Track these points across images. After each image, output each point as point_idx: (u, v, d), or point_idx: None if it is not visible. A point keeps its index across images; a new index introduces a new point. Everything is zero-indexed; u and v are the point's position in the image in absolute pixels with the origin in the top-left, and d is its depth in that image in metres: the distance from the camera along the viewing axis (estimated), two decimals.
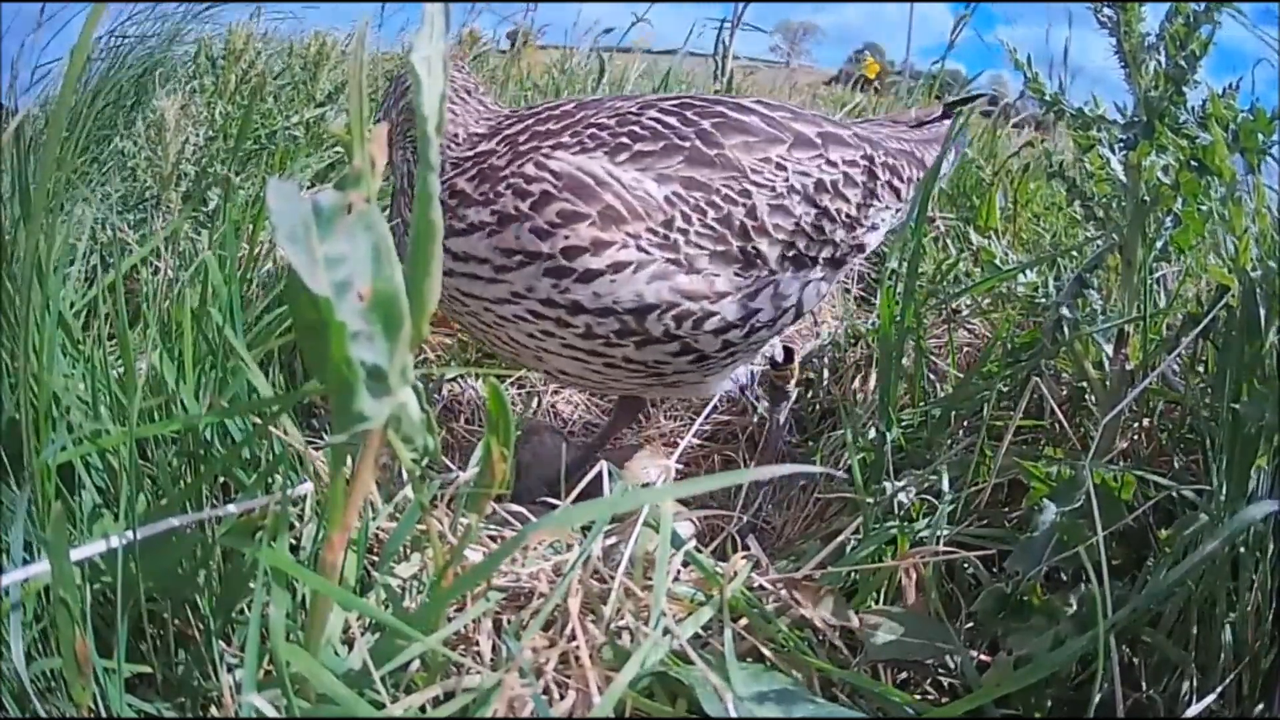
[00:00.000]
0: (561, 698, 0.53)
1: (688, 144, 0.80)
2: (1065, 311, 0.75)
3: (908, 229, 1.19)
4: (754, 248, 0.80)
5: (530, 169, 0.78)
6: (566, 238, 0.76)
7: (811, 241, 0.83)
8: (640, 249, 0.76)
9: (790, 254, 0.82)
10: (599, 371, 0.82)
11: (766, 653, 0.59)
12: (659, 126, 0.80)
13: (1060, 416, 0.77)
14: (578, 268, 0.76)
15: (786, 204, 0.81)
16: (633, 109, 0.82)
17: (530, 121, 0.83)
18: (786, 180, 0.81)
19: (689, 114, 0.82)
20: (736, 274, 0.80)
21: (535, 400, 1.17)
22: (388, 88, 0.91)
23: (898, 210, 0.92)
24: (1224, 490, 0.60)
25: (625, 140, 0.79)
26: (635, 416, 1.03)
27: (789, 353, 0.94)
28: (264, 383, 0.69)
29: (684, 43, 1.91)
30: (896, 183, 0.91)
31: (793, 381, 0.98)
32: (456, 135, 0.83)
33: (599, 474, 0.66)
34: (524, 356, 0.85)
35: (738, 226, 0.79)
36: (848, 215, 0.85)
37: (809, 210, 0.83)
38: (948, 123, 1.05)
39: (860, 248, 0.89)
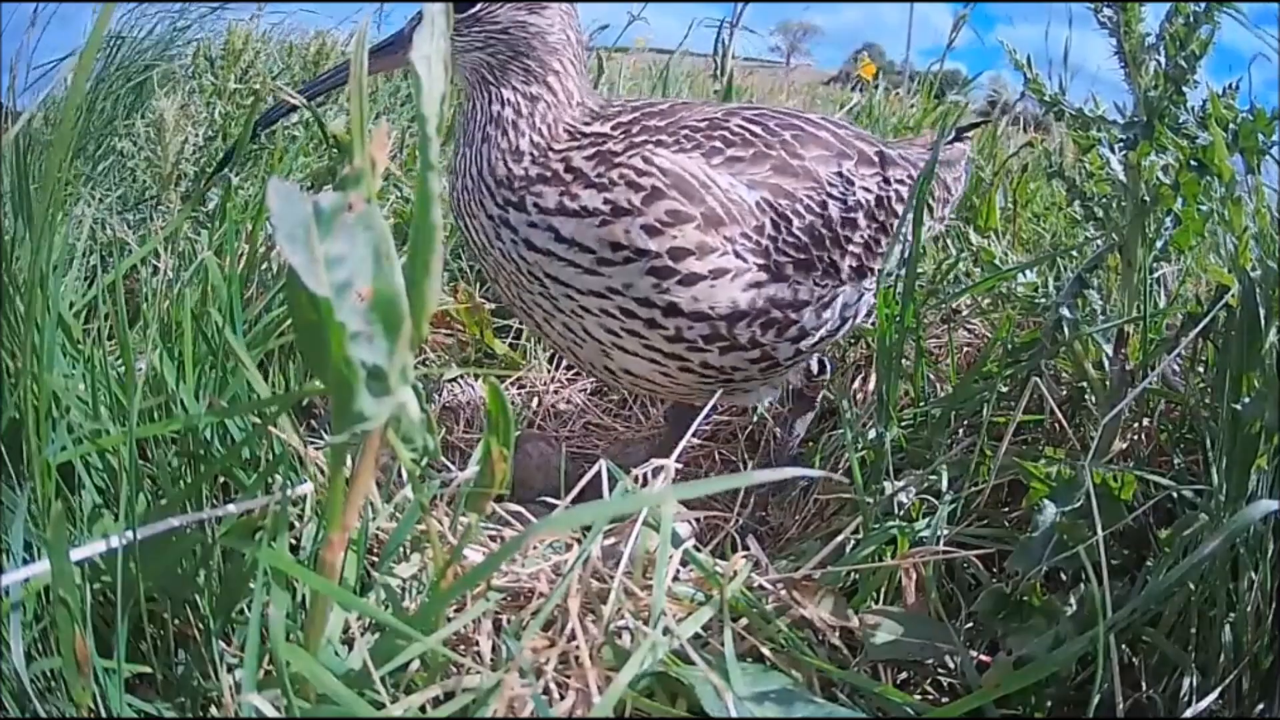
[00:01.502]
0: (561, 698, 0.53)
1: (774, 152, 0.81)
2: (1065, 311, 0.75)
3: (908, 228, 1.20)
4: (830, 258, 0.82)
5: (639, 162, 0.77)
6: (674, 238, 0.76)
7: (870, 254, 0.85)
8: (737, 255, 0.77)
9: (855, 265, 0.84)
10: (669, 375, 0.81)
11: (766, 653, 0.59)
12: (746, 133, 0.81)
13: (1060, 416, 0.77)
14: (682, 270, 0.76)
15: (855, 217, 0.84)
16: (719, 114, 0.83)
17: (639, 114, 0.82)
18: (854, 195, 0.84)
19: (770, 124, 0.83)
20: (815, 283, 0.81)
21: (535, 400, 1.17)
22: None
23: (930, 227, 0.96)
24: (1224, 490, 0.60)
25: (718, 144, 0.80)
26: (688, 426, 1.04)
27: (823, 365, 0.94)
28: (262, 383, 0.69)
29: (681, 41, 1.91)
30: (932, 201, 0.95)
31: (820, 393, 0.98)
32: (573, 97, 0.81)
33: (598, 474, 0.66)
34: (585, 350, 0.83)
35: (818, 236, 0.81)
36: (899, 230, 0.88)
37: (870, 224, 0.85)
38: (959, 145, 1.09)
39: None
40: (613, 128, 0.80)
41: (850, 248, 0.83)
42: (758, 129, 0.82)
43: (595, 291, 0.78)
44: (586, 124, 0.81)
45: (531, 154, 0.79)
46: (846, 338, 1.11)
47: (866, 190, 0.85)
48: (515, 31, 0.79)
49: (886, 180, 0.88)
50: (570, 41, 0.81)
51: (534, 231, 0.78)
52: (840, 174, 0.84)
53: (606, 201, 0.76)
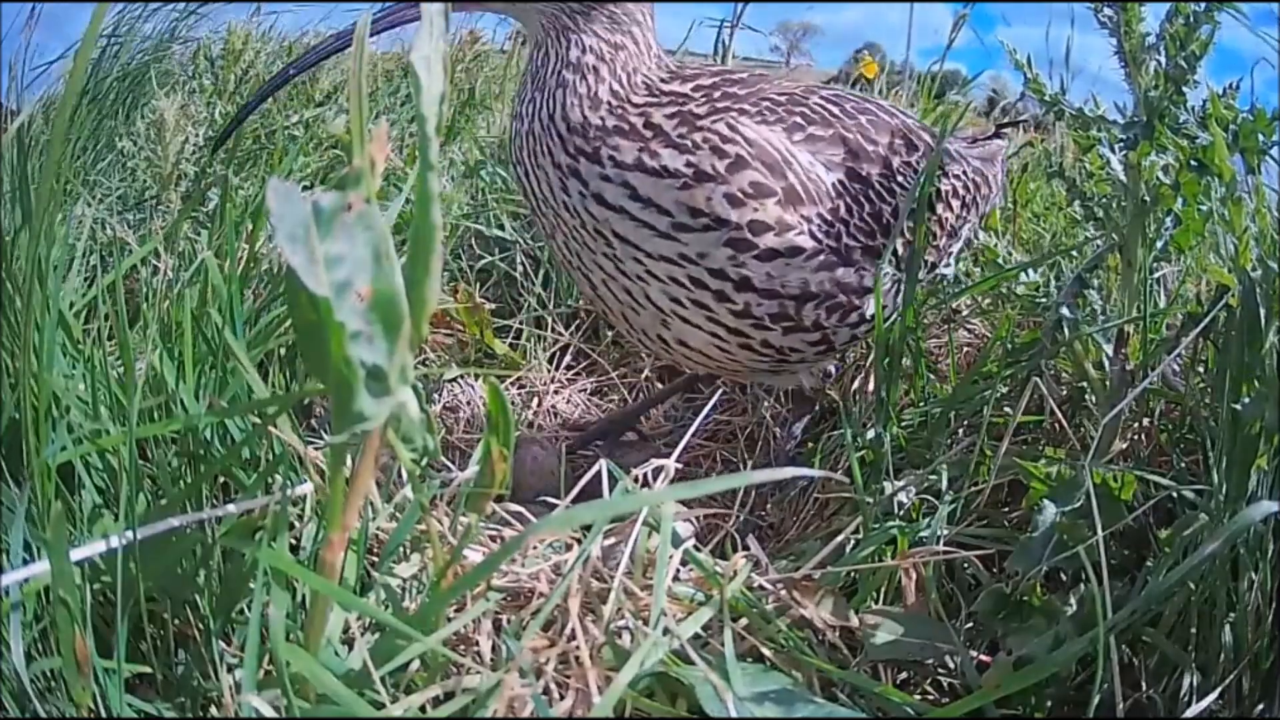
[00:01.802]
0: (561, 698, 0.53)
1: (851, 135, 0.80)
2: (1065, 311, 0.75)
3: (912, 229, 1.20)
4: (894, 246, 0.81)
5: (723, 128, 0.75)
6: (755, 211, 0.74)
7: (926, 245, 0.85)
8: (812, 235, 0.75)
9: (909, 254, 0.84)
10: (726, 350, 0.80)
11: (766, 653, 0.59)
12: (826, 113, 0.80)
13: (1060, 416, 0.77)
14: (760, 244, 0.74)
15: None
16: (798, 90, 0.82)
17: (719, 79, 0.80)
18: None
19: (847, 106, 0.82)
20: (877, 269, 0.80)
21: (535, 400, 1.17)
22: None
23: (972, 225, 0.95)
24: (1224, 490, 0.60)
25: (799, 120, 0.78)
26: (683, 389, 1.02)
27: (837, 366, 0.95)
28: (260, 384, 0.69)
29: (683, 41, 1.91)
30: (977, 197, 0.94)
31: (820, 396, 0.98)
32: (652, 49, 0.78)
33: (599, 474, 0.66)
34: (641, 317, 0.80)
35: (886, 224, 0.80)
36: (950, 224, 0.88)
37: (929, 216, 0.84)
38: (997, 141, 1.07)
39: (949, 254, 0.91)
40: (693, 89, 0.78)
41: (909, 237, 0.83)
42: (835, 109, 0.81)
43: (666, 257, 0.75)
44: (665, 81, 0.78)
45: (610, 103, 0.75)
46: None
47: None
48: None
49: (945, 174, 0.87)
50: None
51: (606, 186, 0.75)
52: (908, 164, 0.83)
53: (689, 165, 0.73)
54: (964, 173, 0.91)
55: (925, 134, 0.88)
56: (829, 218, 0.76)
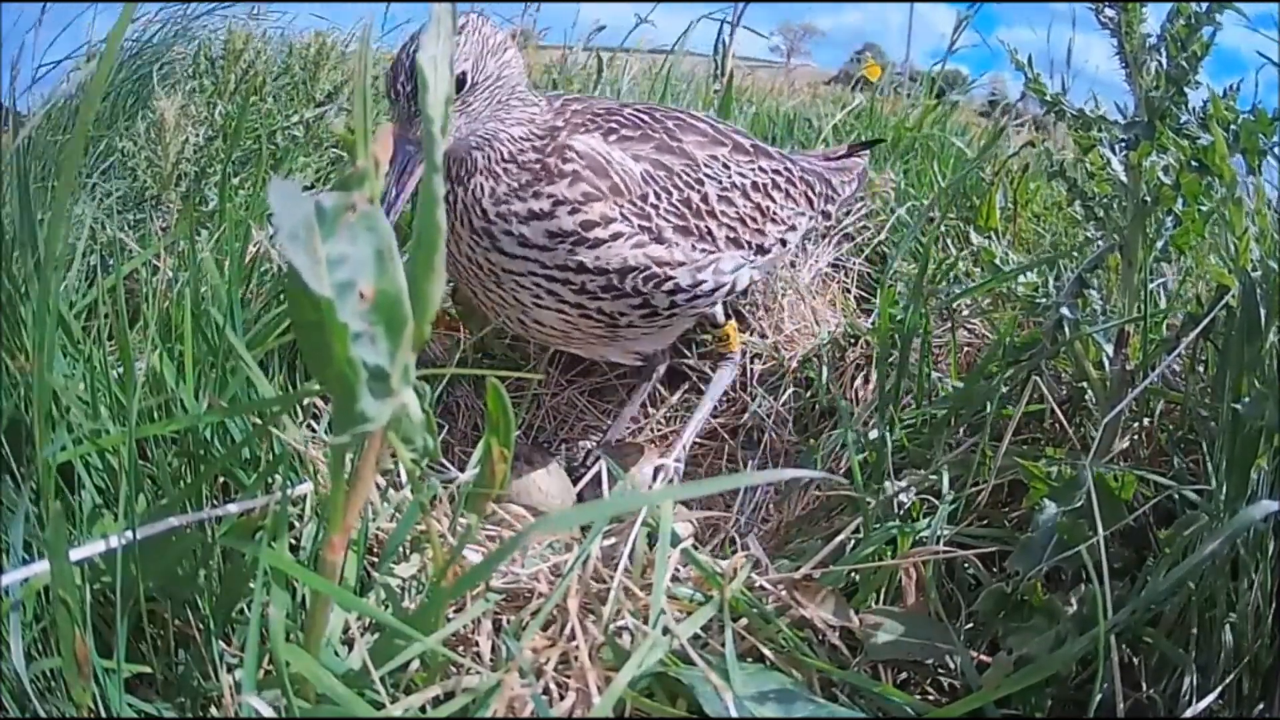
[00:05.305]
0: (561, 698, 0.53)
1: (657, 136, 0.95)
2: (1065, 311, 0.75)
3: (916, 231, 1.22)
4: (706, 227, 0.95)
5: (564, 150, 0.89)
6: (587, 213, 0.88)
7: (746, 229, 0.99)
8: (626, 219, 0.90)
9: (731, 236, 0.97)
10: (570, 321, 0.93)
11: (766, 653, 0.59)
12: (636, 120, 0.95)
13: (1060, 416, 0.77)
14: (590, 237, 0.88)
15: (730, 195, 0.98)
16: (614, 105, 0.98)
17: (561, 104, 0.94)
18: (729, 176, 0.98)
19: (656, 114, 0.98)
20: (692, 247, 0.94)
21: (535, 401, 1.17)
22: None
23: (811, 217, 1.09)
24: (1224, 490, 0.60)
25: (614, 126, 0.93)
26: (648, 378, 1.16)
27: (727, 314, 1.07)
28: (265, 382, 0.69)
29: (681, 41, 1.90)
30: (811, 194, 1.08)
31: (736, 344, 1.09)
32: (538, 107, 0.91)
33: (599, 474, 0.66)
34: (507, 309, 0.95)
35: (695, 208, 0.95)
36: (774, 213, 1.02)
37: (746, 203, 0.99)
38: (853, 159, 1.24)
39: (783, 242, 1.05)
40: (548, 121, 0.90)
41: (725, 220, 0.97)
42: (645, 117, 0.96)
43: (532, 271, 0.89)
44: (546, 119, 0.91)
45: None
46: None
47: (741, 174, 0.99)
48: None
49: (761, 169, 1.02)
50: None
51: (506, 239, 0.89)
52: (715, 157, 0.97)
53: (549, 197, 0.87)
54: (785, 169, 1.05)
55: (738, 135, 1.03)
56: (639, 204, 0.91)
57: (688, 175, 0.94)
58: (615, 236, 0.89)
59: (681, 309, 0.95)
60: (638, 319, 0.94)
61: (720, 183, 0.97)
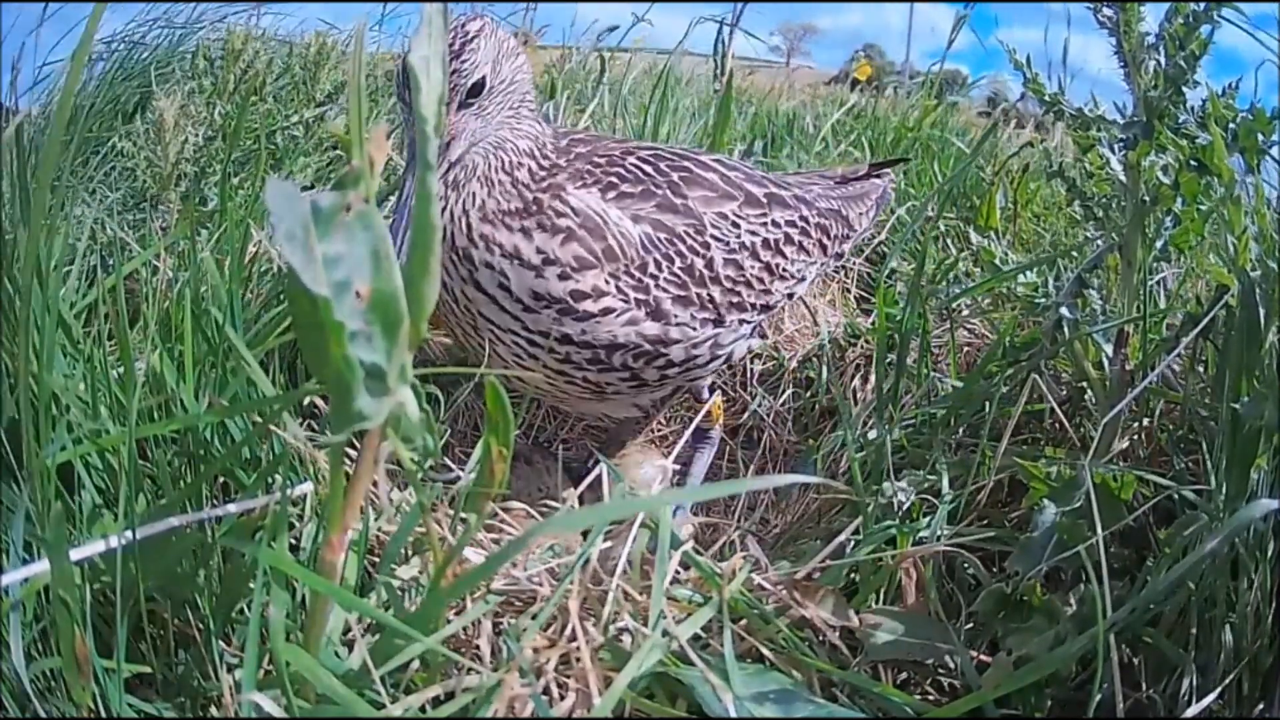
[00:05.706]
0: (561, 698, 0.53)
1: (660, 192, 0.87)
2: (1065, 311, 0.75)
3: (914, 230, 1.21)
4: (709, 295, 0.88)
5: (558, 203, 0.82)
6: (577, 282, 0.82)
7: (752, 291, 0.91)
8: (621, 292, 0.83)
9: (734, 301, 0.90)
10: (553, 384, 0.88)
11: (766, 653, 0.59)
12: (639, 172, 0.87)
13: (1060, 416, 0.77)
14: (579, 309, 0.82)
15: (738, 257, 0.90)
16: (617, 150, 0.89)
17: (566, 143, 0.87)
18: (738, 236, 0.90)
19: (662, 164, 0.89)
20: (691, 316, 0.87)
21: (535, 401, 1.16)
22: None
23: (823, 264, 1.01)
24: (1224, 490, 0.60)
25: (614, 179, 0.86)
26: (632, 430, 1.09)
27: (710, 390, 1.00)
28: (265, 381, 0.69)
29: (680, 41, 1.90)
30: (825, 240, 0.99)
31: (717, 424, 1.02)
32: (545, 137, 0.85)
33: (599, 475, 0.66)
34: (490, 356, 0.89)
35: (697, 275, 0.87)
36: (784, 269, 0.94)
37: (754, 264, 0.91)
38: (872, 180, 1.13)
39: (790, 295, 0.97)
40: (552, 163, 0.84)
41: (730, 285, 0.89)
42: (649, 168, 0.88)
43: (512, 329, 0.84)
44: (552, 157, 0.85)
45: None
46: (841, 338, 1.13)
47: (752, 233, 0.91)
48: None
49: (775, 223, 0.93)
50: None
51: (485, 272, 0.82)
52: (724, 215, 0.89)
53: (538, 251, 0.81)
54: (801, 218, 0.96)
55: (751, 184, 0.93)
56: (638, 274, 0.84)
57: (692, 239, 0.86)
58: (606, 312, 0.83)
59: (674, 379, 0.90)
60: (625, 389, 0.89)
61: (728, 244, 0.88)
